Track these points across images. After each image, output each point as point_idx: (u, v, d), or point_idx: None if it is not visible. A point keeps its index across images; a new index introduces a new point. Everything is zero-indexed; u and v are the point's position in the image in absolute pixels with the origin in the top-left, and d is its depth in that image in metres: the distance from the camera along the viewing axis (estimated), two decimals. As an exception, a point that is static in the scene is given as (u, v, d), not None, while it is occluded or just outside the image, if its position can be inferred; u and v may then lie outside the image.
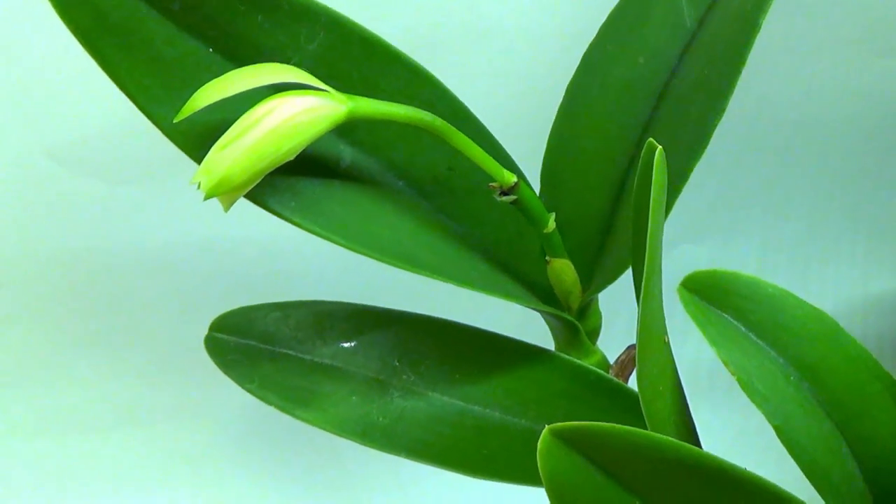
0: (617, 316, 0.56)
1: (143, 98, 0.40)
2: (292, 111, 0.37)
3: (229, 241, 0.66)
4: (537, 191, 0.49)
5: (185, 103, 0.38)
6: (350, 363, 0.48)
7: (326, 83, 0.39)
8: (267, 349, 0.48)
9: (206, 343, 0.49)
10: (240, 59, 0.41)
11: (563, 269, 0.48)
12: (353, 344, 0.48)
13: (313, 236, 0.41)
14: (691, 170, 0.42)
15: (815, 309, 0.45)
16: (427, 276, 0.42)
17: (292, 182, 0.41)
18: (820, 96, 0.67)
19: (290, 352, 0.48)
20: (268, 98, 0.38)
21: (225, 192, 0.38)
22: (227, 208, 0.39)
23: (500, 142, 0.48)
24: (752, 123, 0.67)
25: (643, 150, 0.36)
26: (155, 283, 0.67)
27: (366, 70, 0.44)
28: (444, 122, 0.41)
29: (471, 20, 0.61)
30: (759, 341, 0.44)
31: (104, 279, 0.67)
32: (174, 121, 0.38)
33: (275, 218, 0.41)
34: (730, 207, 0.72)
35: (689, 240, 0.73)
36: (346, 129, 0.43)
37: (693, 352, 0.59)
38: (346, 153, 0.44)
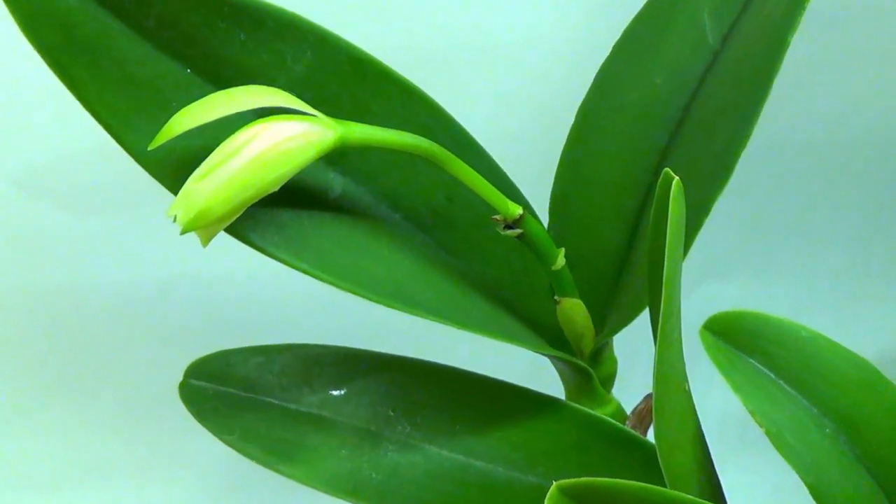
0: (634, 361, 0.56)
1: (114, 123, 0.40)
2: (277, 138, 0.38)
3: (207, 278, 0.67)
4: (545, 223, 0.49)
5: (160, 129, 0.38)
6: (339, 413, 0.48)
7: (314, 107, 0.40)
8: (248, 397, 0.49)
9: (181, 390, 0.49)
10: (220, 80, 0.42)
11: (573, 310, 0.48)
12: (342, 391, 0.49)
13: (300, 273, 0.42)
14: (713, 202, 0.43)
15: (852, 354, 0.45)
16: (425, 317, 0.43)
17: (277, 214, 0.42)
18: (856, 116, 0.68)
19: (274, 400, 0.49)
20: (251, 123, 0.38)
21: (203, 226, 0.38)
22: (205, 243, 0.40)
23: (505, 170, 0.48)
24: (781, 147, 0.68)
25: (659, 181, 0.37)
26: (125, 324, 0.68)
27: (357, 92, 0.44)
28: (443, 148, 0.42)
29: (471, 36, 0.62)
30: (790, 390, 0.44)
31: (69, 319, 0.67)
32: (148, 148, 0.38)
33: (257, 253, 0.42)
34: (759, 240, 0.73)
35: (714, 276, 0.73)
36: (337, 157, 0.43)
37: (720, 400, 0.59)
38: (336, 183, 0.44)
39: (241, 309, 0.68)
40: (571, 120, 0.51)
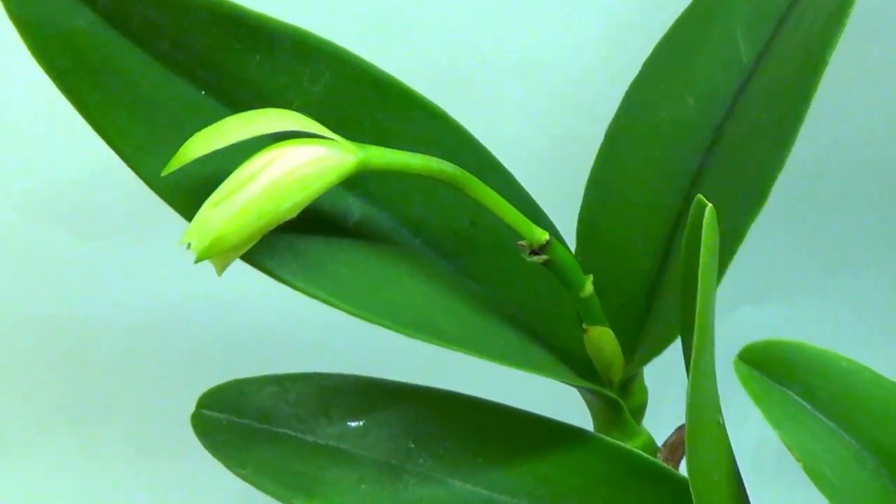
0: (665, 391, 0.56)
1: (126, 147, 0.41)
2: (295, 163, 0.38)
3: (219, 304, 0.67)
4: (573, 249, 0.50)
5: (173, 153, 0.39)
6: (358, 445, 0.48)
7: (333, 130, 0.40)
8: (263, 429, 0.49)
9: (194, 421, 0.49)
10: (235, 103, 0.43)
11: (602, 339, 0.48)
12: (361, 423, 0.49)
13: (317, 302, 0.42)
14: (748, 227, 0.43)
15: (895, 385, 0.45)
16: (447, 347, 0.43)
17: (294, 241, 0.42)
18: (897, 135, 0.68)
19: (290, 432, 0.49)
20: (267, 148, 0.39)
21: (218, 254, 0.39)
22: (220, 271, 0.40)
23: (531, 193, 0.49)
24: (819, 167, 0.68)
25: (692, 207, 0.37)
26: (134, 352, 0.68)
27: (377, 114, 0.45)
28: (466, 172, 0.42)
29: (496, 55, 0.62)
30: (829, 422, 0.44)
31: (76, 346, 0.68)
32: (162, 174, 0.39)
33: (273, 280, 0.42)
34: (797, 263, 0.73)
35: (749, 300, 0.73)
36: (356, 181, 0.44)
37: (756, 433, 0.59)
38: (355, 208, 0.45)
39: (255, 336, 0.68)
40: (599, 141, 0.51)
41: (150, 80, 0.41)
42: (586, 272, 0.46)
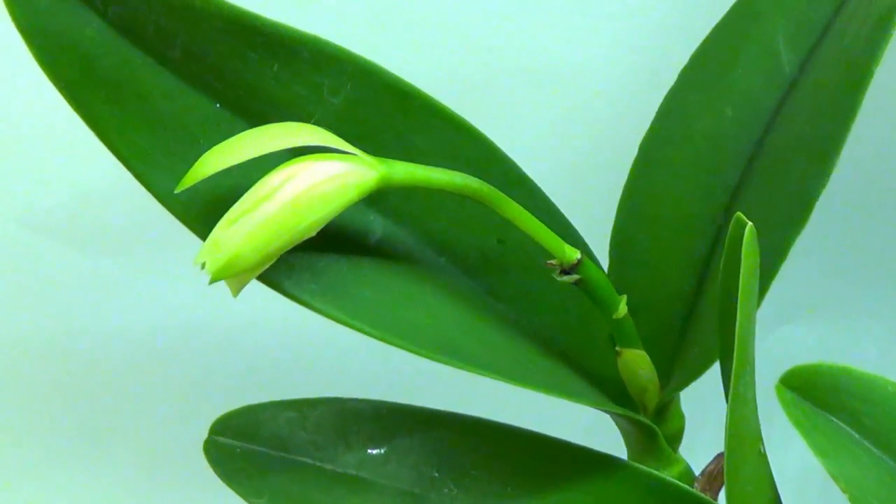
0: (703, 417, 0.56)
1: (137, 162, 0.41)
2: (314, 179, 0.39)
3: (233, 324, 0.68)
4: (605, 268, 0.50)
5: (186, 168, 0.39)
6: (380, 474, 0.49)
7: (354, 144, 0.41)
8: (279, 456, 0.49)
9: (206, 449, 0.50)
10: (252, 115, 0.43)
11: (637, 362, 0.49)
12: (383, 450, 0.49)
13: (336, 323, 0.42)
14: (790, 245, 0.44)
15: (949, 412, 0.45)
16: (474, 371, 0.43)
17: (312, 260, 0.42)
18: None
19: (308, 460, 0.49)
20: (285, 163, 0.39)
21: (234, 275, 0.39)
22: (236, 293, 0.41)
23: (561, 209, 0.49)
24: (866, 178, 0.68)
25: (731, 224, 0.38)
26: (144, 375, 0.68)
27: (400, 127, 0.45)
28: (493, 188, 0.42)
29: (522, 61, 0.62)
30: (877, 451, 0.44)
31: (82, 370, 0.68)
32: (175, 191, 0.39)
33: (290, 301, 0.42)
34: (842, 278, 0.73)
35: (792, 319, 0.73)
36: (378, 198, 0.44)
37: (799, 462, 0.59)
38: (377, 225, 0.45)
39: (270, 359, 0.68)
40: (633, 153, 0.52)
41: (163, 91, 0.42)
42: (620, 292, 0.47)
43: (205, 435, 0.49)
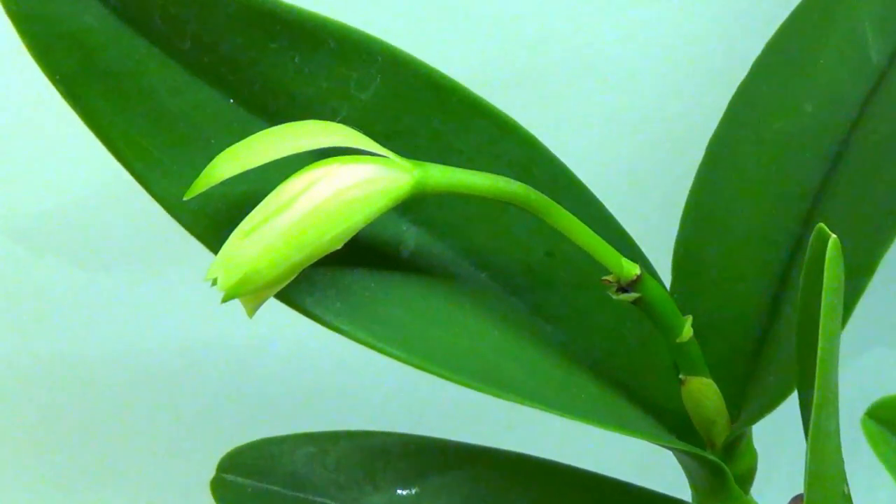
0: (779, 455, 0.56)
1: (140, 164, 0.42)
2: (341, 185, 0.39)
3: (244, 347, 0.68)
4: (668, 285, 0.51)
5: (197, 172, 0.40)
6: (410, 518, 0.49)
7: (385, 145, 0.41)
8: (296, 497, 0.50)
9: (214, 488, 0.50)
10: (270, 113, 0.44)
11: (703, 392, 0.49)
12: (413, 491, 0.49)
13: (363, 347, 0.43)
14: (879, 259, 0.44)
15: None
16: (517, 401, 0.43)
17: (337, 276, 0.43)
18: None
19: (329, 501, 0.49)
20: (308, 167, 0.39)
21: (249, 293, 0.39)
22: (251, 313, 0.41)
23: (617, 218, 0.49)
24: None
25: (812, 238, 0.38)
26: (144, 405, 0.68)
27: (437, 125, 0.46)
28: (541, 194, 0.43)
29: (573, 52, 0.62)
30: (973, 493, 0.45)
31: (76, 397, 0.68)
32: (184, 198, 0.40)
33: (311, 322, 0.43)
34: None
35: (880, 343, 0.73)
36: (411, 205, 0.45)
37: (887, 502, 0.59)
38: (410, 236, 0.46)
39: (286, 387, 0.68)
40: (699, 156, 0.52)
41: (171, 85, 0.42)
42: (684, 312, 0.47)
43: (212, 472, 0.50)
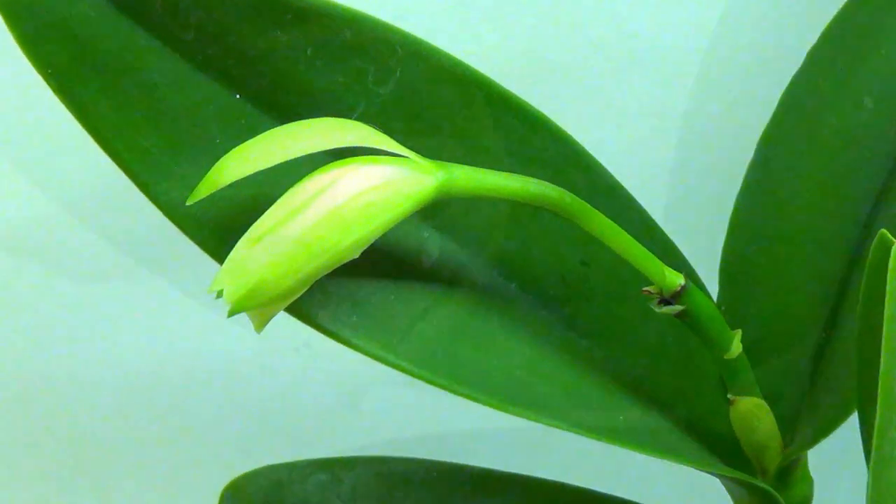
0: (837, 482, 0.56)
1: (139, 166, 0.42)
2: (358, 188, 0.39)
3: (252, 364, 0.68)
4: (714, 297, 0.51)
5: (200, 175, 0.39)
6: (432, 552, 0.49)
7: (406, 144, 0.41)
8: (307, 530, 0.50)
9: (218, 518, 0.50)
10: (280, 109, 0.44)
11: (753, 413, 0.49)
12: (437, 523, 0.49)
13: (380, 364, 0.43)
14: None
15: None
16: (550, 423, 0.44)
17: (353, 287, 0.43)
18: None
19: (343, 535, 0.50)
20: (322, 168, 0.40)
21: (258, 305, 0.39)
22: (259, 327, 0.41)
23: (660, 224, 0.50)
24: None
25: (873, 244, 0.38)
26: (140, 427, 0.69)
27: (462, 123, 0.46)
28: (576, 197, 0.43)
29: (612, 43, 0.62)
30: None
31: (65, 418, 0.68)
32: (187, 203, 0.40)
33: (325, 336, 0.43)
34: None
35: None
36: (435, 210, 0.45)
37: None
38: (433, 243, 0.46)
39: (295, 408, 0.68)
40: (749, 155, 0.52)
41: (172, 80, 0.43)
42: (733, 326, 0.47)
43: (214, 502, 0.50)
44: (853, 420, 0.43)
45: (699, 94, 0.64)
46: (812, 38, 0.51)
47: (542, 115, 0.47)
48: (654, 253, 0.44)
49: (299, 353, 0.64)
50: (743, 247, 0.52)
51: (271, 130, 0.40)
